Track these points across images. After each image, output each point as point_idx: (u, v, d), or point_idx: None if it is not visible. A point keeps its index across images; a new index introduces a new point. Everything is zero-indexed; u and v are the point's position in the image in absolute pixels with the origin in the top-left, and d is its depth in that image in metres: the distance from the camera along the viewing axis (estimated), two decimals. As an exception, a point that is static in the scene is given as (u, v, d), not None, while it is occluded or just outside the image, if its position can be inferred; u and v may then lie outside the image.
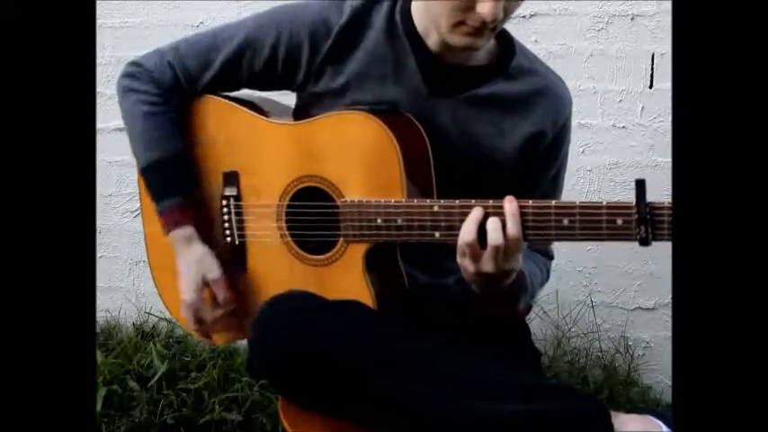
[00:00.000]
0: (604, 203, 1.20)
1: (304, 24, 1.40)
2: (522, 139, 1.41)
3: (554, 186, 1.50)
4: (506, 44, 1.42)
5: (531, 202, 1.23)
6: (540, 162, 1.45)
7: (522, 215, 1.23)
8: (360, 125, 1.34)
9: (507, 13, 1.28)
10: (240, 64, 1.44)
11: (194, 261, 1.46)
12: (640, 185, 1.17)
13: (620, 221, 1.19)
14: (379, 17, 1.39)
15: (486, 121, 1.40)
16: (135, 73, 1.49)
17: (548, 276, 1.53)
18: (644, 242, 1.17)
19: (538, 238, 1.26)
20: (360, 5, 1.40)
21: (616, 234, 1.20)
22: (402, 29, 1.38)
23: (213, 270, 1.46)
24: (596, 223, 1.20)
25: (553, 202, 1.23)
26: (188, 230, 1.46)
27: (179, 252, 1.47)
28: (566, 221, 1.22)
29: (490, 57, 1.41)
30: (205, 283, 1.46)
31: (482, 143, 1.40)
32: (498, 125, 1.40)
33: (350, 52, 1.40)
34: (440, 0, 1.28)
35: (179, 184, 1.47)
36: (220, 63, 1.45)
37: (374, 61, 1.39)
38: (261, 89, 1.50)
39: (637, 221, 1.17)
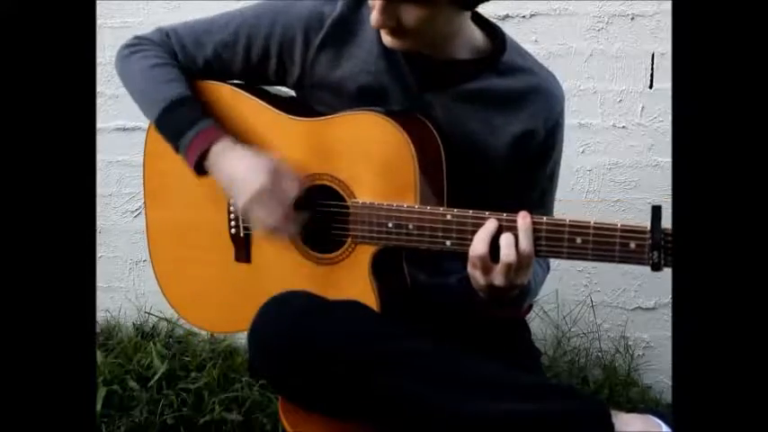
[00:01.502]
0: (619, 225, 1.19)
1: (298, 18, 1.40)
2: (513, 136, 1.40)
3: (550, 185, 1.49)
4: (497, 40, 1.42)
5: (545, 218, 1.23)
6: (534, 160, 1.44)
7: (536, 231, 1.23)
8: (375, 126, 1.33)
9: (414, 19, 1.26)
10: (233, 52, 1.44)
11: (249, 155, 1.35)
12: (656, 211, 1.16)
13: (633, 245, 1.18)
14: (370, 13, 1.40)
15: (476, 117, 1.40)
16: (137, 42, 1.49)
17: (548, 270, 1.53)
18: (656, 267, 1.17)
19: (550, 255, 1.25)
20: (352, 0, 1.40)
21: (628, 257, 1.19)
22: None
23: (270, 156, 1.35)
24: (609, 245, 1.20)
25: (567, 220, 1.22)
26: (228, 140, 1.37)
27: (225, 160, 1.36)
28: (579, 240, 1.21)
29: (480, 52, 1.41)
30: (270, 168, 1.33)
31: (475, 139, 1.40)
32: (489, 122, 1.40)
33: (343, 47, 1.40)
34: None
35: (206, 113, 1.42)
36: (213, 48, 1.45)
37: (368, 57, 1.39)
38: (253, 83, 1.49)
39: (650, 246, 1.16)
